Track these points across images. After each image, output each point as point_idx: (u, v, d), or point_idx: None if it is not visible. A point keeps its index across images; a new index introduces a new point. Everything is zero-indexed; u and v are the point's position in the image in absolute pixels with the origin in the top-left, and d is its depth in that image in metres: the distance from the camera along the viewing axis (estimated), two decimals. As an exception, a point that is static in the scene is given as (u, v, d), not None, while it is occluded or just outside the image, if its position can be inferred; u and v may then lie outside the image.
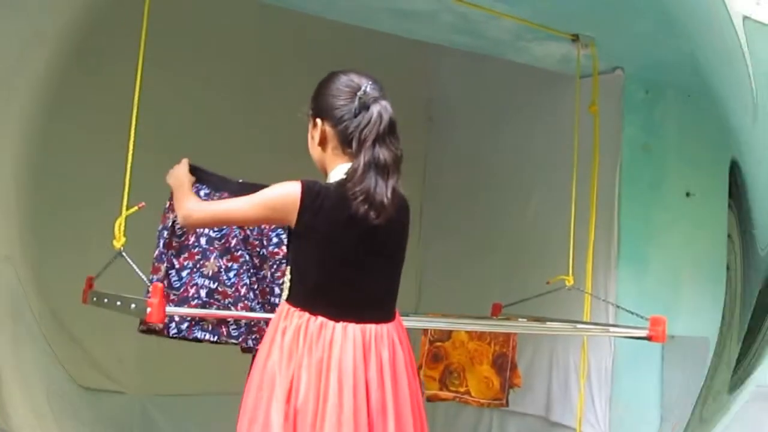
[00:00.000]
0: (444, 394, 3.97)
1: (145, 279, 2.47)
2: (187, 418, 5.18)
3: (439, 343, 3.87)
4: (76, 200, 4.94)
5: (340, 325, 2.21)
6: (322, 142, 2.32)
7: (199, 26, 5.33)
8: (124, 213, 2.70)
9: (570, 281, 3.97)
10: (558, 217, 4.45)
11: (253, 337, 2.91)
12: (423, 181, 6.26)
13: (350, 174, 2.21)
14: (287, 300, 2.29)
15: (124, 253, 2.65)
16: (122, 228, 2.64)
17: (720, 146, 5.22)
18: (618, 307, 4.07)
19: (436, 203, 6.19)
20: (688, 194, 5.01)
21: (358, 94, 2.24)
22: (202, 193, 2.80)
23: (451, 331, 3.81)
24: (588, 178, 4.41)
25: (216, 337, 2.83)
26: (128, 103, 2.89)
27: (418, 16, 4.13)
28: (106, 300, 2.67)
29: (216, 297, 2.82)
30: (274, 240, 2.93)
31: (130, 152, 2.82)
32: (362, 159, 2.20)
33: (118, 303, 2.56)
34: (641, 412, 4.74)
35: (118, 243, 2.65)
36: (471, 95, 5.99)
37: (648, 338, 3.41)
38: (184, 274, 2.82)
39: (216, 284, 2.82)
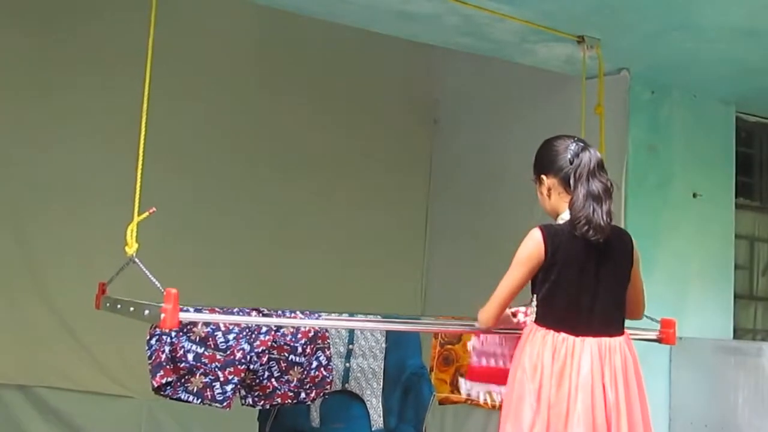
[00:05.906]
0: (455, 396, 3.95)
1: (158, 285, 2.45)
2: (194, 422, 5.18)
3: (449, 346, 3.85)
4: (84, 205, 4.94)
5: (579, 339, 2.77)
6: (549, 192, 2.96)
7: (204, 31, 5.32)
8: (136, 219, 2.66)
9: (578, 283, 3.94)
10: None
11: (255, 394, 3.05)
12: (428, 183, 6.24)
13: (571, 205, 2.81)
14: (535, 321, 2.88)
15: (136, 259, 2.61)
16: (134, 234, 2.61)
17: (726, 146, 5.24)
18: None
19: (442, 205, 6.17)
20: (694, 195, 4.99)
21: (569, 147, 2.89)
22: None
23: (461, 334, 3.78)
24: (594, 179, 4.39)
25: (199, 400, 2.90)
26: (133, 108, 2.89)
27: (422, 18, 4.13)
28: (119, 306, 2.66)
29: (203, 360, 2.91)
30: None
31: (141, 158, 2.81)
32: (580, 191, 2.79)
33: (131, 309, 2.54)
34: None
35: (131, 249, 2.62)
36: (477, 96, 5.98)
37: (658, 340, 3.40)
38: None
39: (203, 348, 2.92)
